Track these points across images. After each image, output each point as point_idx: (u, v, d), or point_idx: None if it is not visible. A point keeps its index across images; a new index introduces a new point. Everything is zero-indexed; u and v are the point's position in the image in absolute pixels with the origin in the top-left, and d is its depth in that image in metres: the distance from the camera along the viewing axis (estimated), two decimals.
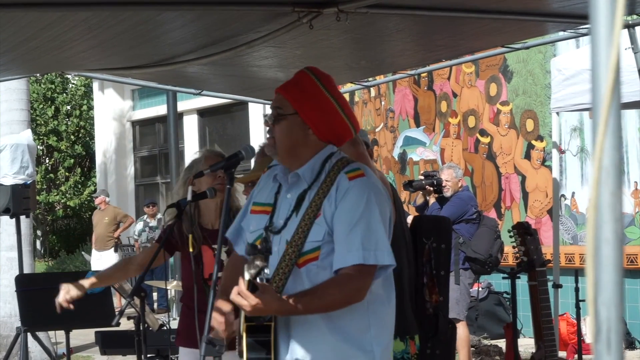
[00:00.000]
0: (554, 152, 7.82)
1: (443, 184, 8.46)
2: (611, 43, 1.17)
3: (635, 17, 5.56)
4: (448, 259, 4.57)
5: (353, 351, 3.11)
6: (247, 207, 3.41)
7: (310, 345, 3.12)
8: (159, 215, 15.34)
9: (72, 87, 25.66)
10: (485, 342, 10.27)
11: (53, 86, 25.12)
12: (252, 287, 2.89)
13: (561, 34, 6.62)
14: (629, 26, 5.66)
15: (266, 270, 2.90)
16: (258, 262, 2.85)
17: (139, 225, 15.80)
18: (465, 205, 8.38)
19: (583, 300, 6.67)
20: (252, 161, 4.77)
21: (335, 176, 3.13)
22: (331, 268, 3.08)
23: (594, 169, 1.17)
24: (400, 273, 4.20)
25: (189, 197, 4.03)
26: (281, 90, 3.25)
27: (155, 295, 15.26)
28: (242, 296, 2.90)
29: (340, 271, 3.05)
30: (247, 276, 2.89)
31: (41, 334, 8.26)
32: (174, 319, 8.81)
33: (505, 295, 10.74)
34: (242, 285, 2.90)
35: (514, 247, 5.84)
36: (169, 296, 13.54)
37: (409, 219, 5.05)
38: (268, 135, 3.25)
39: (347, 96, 4.47)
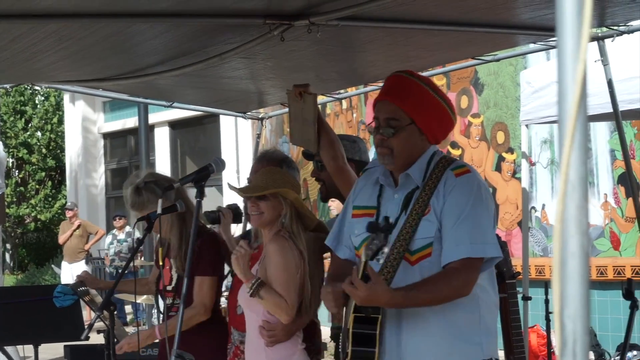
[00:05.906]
0: (524, 164, 7.85)
1: None
2: (578, 57, 1.17)
3: (604, 29, 5.59)
4: None
5: (460, 344, 3.16)
6: (346, 213, 3.44)
7: (418, 338, 3.16)
8: (127, 228, 15.27)
9: (41, 100, 25.50)
10: None
11: (23, 98, 24.95)
12: (365, 277, 2.91)
13: (531, 46, 6.64)
14: (598, 39, 5.69)
15: (385, 249, 2.90)
16: (377, 242, 2.87)
17: (109, 239, 15.72)
18: None
19: (552, 313, 6.69)
20: (223, 173, 4.78)
21: (440, 174, 3.19)
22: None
23: (561, 183, 1.17)
24: None
25: (159, 211, 4.03)
26: (393, 100, 3.26)
27: (128, 307, 15.17)
28: (355, 285, 2.91)
29: (448, 265, 3.08)
30: (364, 257, 2.91)
31: (9, 348, 8.17)
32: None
33: None
34: (355, 274, 2.93)
35: None
36: (140, 309, 13.40)
37: None
38: (380, 145, 3.27)
39: (319, 108, 4.47)
